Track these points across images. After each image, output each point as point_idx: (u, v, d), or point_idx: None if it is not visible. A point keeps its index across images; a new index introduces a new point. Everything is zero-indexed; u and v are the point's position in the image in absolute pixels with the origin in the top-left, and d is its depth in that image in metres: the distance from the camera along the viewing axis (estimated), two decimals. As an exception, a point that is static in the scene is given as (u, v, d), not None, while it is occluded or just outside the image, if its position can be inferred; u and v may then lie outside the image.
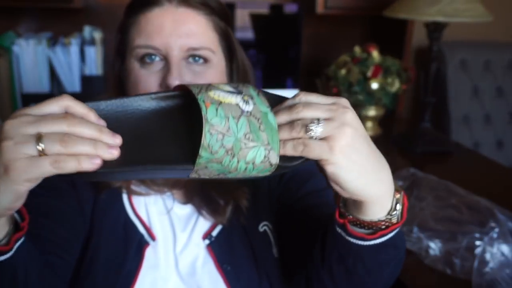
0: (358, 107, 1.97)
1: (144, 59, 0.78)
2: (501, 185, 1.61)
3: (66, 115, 0.51)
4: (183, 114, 0.58)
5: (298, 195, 0.85)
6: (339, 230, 0.63)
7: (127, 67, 0.81)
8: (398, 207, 0.61)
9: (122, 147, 0.51)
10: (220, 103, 0.53)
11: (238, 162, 0.53)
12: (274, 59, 2.21)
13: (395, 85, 1.88)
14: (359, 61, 1.91)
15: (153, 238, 0.83)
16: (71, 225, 0.80)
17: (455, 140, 2.09)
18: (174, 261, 0.84)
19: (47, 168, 0.49)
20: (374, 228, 0.61)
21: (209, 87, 0.55)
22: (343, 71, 1.92)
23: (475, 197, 1.27)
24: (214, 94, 0.54)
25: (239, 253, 0.84)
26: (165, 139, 0.56)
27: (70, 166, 0.49)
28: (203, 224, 0.85)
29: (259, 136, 0.53)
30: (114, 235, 0.83)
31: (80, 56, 1.91)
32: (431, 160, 1.78)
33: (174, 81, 0.75)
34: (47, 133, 0.50)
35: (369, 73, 1.86)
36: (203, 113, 0.52)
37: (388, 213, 0.60)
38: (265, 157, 0.53)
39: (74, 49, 1.89)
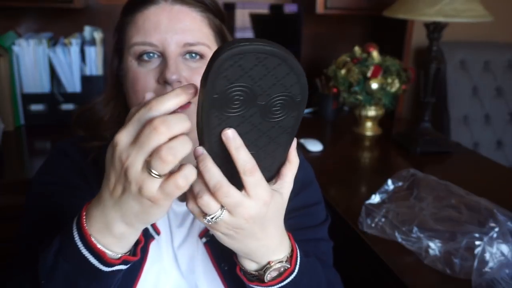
0: (358, 107, 1.97)
1: (142, 57, 0.79)
2: (501, 185, 1.61)
3: None
4: None
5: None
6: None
7: (125, 65, 0.82)
8: (272, 273, 0.65)
9: None
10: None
11: None
12: (274, 59, 2.21)
13: (395, 85, 1.88)
14: (359, 61, 1.91)
15: (158, 232, 0.84)
16: None
17: (455, 140, 2.09)
18: (173, 256, 0.85)
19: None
20: (254, 277, 0.67)
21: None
22: (343, 71, 1.92)
23: (475, 197, 1.27)
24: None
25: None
26: None
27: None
28: (200, 222, 0.86)
29: None
30: None
31: (80, 56, 1.92)
32: (431, 160, 1.78)
33: (171, 76, 0.76)
34: None
35: (369, 73, 1.86)
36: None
37: (257, 271, 0.66)
38: None
39: (75, 49, 1.90)
